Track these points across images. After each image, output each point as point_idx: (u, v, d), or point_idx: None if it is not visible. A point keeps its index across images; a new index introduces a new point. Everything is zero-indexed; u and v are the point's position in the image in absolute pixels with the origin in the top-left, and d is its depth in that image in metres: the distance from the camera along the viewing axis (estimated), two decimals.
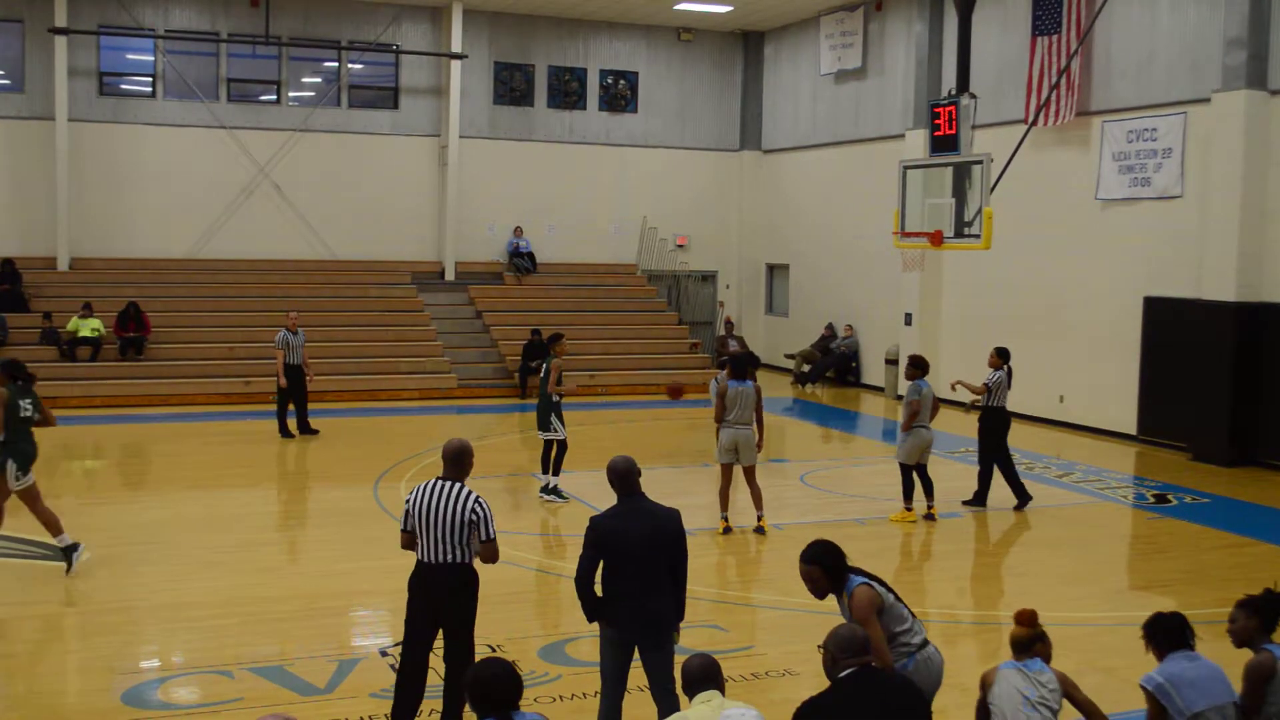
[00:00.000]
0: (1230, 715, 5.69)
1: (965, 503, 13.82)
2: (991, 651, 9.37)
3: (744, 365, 12.55)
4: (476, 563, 6.93)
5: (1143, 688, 5.75)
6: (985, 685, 5.85)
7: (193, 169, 24.39)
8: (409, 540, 6.94)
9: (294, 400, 17.87)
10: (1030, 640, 5.90)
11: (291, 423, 17.90)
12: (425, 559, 6.86)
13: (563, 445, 13.75)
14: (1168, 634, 5.86)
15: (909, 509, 13.17)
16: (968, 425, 18.85)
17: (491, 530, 6.81)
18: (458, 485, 6.85)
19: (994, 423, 13.70)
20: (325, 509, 14.18)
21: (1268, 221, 16.53)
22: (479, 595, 7.06)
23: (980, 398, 13.70)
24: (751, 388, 12.26)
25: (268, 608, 9.79)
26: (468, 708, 5.07)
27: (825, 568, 5.93)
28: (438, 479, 6.91)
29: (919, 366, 13.18)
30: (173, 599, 9.94)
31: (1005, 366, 13.73)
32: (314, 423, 18.14)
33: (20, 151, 23.41)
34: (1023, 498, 13.79)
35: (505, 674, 4.63)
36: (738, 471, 12.48)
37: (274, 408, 17.93)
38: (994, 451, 13.76)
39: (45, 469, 16.25)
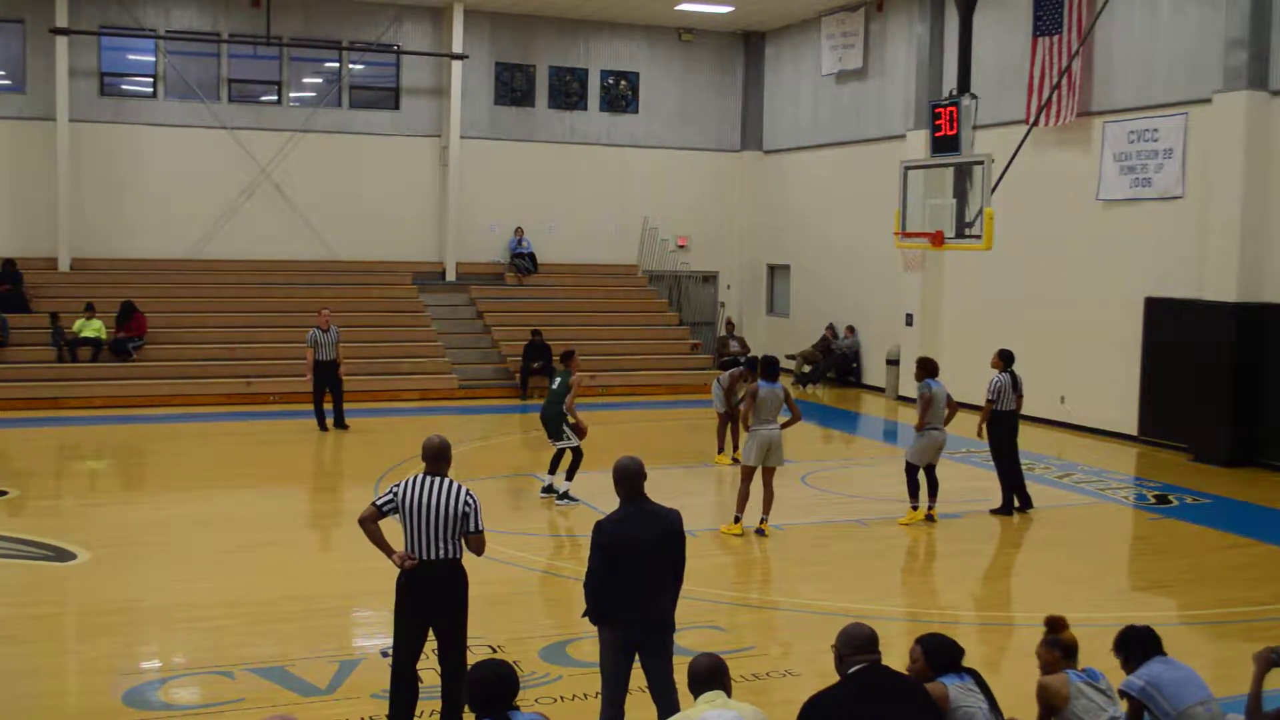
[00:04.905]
0: (1216, 711, 5.73)
1: (993, 511, 13.57)
2: (992, 652, 9.36)
3: (776, 367, 12.73)
4: (467, 560, 6.94)
5: (1123, 693, 5.77)
6: (1055, 696, 5.64)
7: (194, 169, 24.38)
8: (375, 515, 6.87)
9: (330, 395, 18.38)
10: (1076, 643, 5.91)
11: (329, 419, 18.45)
12: (415, 556, 6.86)
13: (578, 453, 13.73)
14: (1141, 645, 5.90)
15: (915, 508, 13.12)
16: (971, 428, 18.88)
17: (481, 522, 6.87)
18: (446, 479, 6.88)
19: (997, 427, 13.48)
20: (325, 509, 14.18)
21: (1268, 222, 16.52)
22: (473, 594, 7.06)
23: (988, 411, 13.39)
24: (780, 389, 12.38)
25: (268, 608, 9.78)
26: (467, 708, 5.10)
27: (929, 658, 5.53)
28: (424, 474, 6.90)
29: (923, 367, 13.17)
30: (173, 599, 9.93)
31: (1008, 370, 13.49)
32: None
33: (21, 152, 23.40)
34: (1016, 506, 13.59)
35: (501, 674, 4.74)
36: (758, 474, 12.47)
37: (275, 408, 18.07)
38: (1000, 457, 13.56)
39: (47, 469, 16.35)
